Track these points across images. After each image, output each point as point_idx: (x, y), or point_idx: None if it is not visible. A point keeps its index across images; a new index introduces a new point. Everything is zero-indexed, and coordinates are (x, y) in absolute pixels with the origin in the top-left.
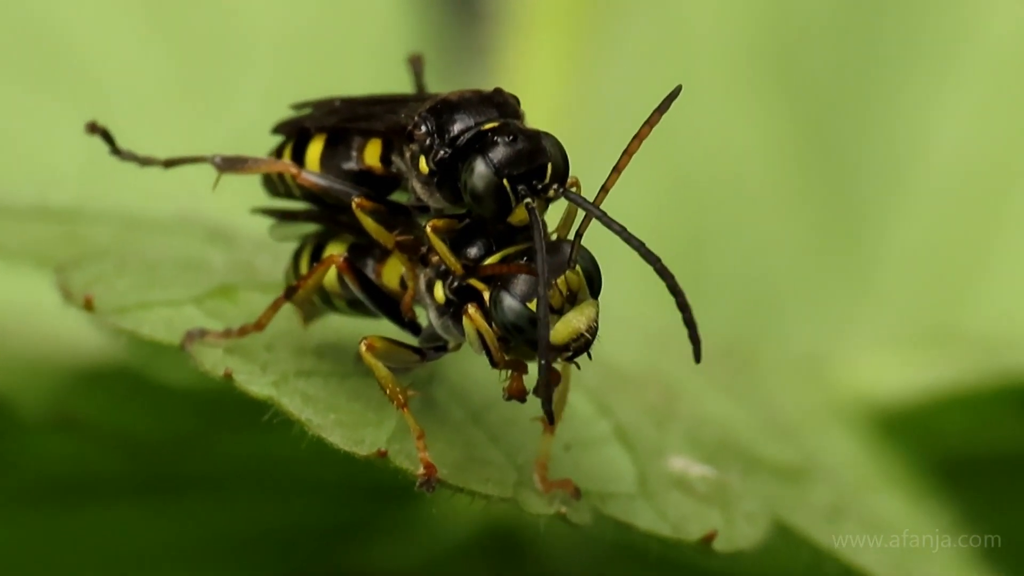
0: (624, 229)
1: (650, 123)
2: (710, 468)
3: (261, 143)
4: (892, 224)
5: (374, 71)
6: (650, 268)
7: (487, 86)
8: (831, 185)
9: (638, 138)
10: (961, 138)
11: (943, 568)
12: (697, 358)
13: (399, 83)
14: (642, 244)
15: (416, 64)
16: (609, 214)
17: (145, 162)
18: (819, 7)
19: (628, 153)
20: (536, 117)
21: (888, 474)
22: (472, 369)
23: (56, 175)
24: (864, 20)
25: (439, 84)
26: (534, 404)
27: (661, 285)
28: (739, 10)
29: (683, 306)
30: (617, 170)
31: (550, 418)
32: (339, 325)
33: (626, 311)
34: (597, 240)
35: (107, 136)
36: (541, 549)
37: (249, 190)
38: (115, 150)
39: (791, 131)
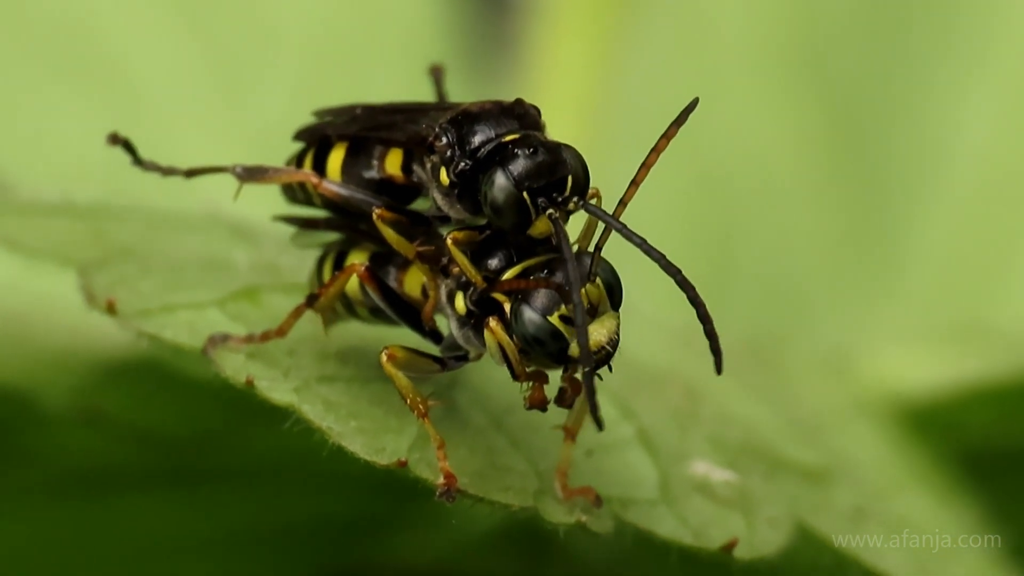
0: (645, 241)
1: (668, 136)
2: (732, 473)
3: (289, 139)
4: (919, 220)
5: (403, 66)
6: (674, 261)
7: (515, 80)
8: (859, 182)
9: (656, 151)
10: (989, 135)
11: (968, 569)
12: (718, 370)
13: (427, 79)
14: (663, 256)
15: (437, 74)
16: (629, 226)
17: (167, 172)
18: (848, 5)
19: (647, 166)
20: (563, 111)
21: (914, 470)
22: (494, 372)
23: (83, 170)
24: (892, 17)
25: (467, 79)
26: (555, 412)
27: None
28: (767, 7)
29: (704, 317)
30: (635, 183)
31: (599, 425)
32: (362, 329)
33: (649, 309)
34: (618, 238)
35: (129, 147)
36: (565, 543)
37: (272, 195)
38: (137, 160)
39: (819, 128)
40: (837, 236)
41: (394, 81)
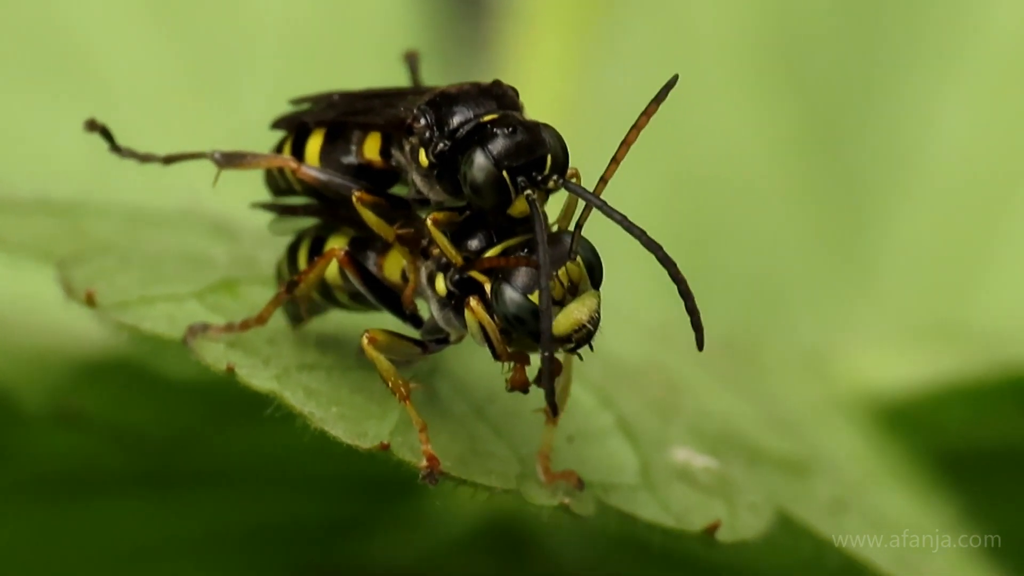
0: (625, 218)
1: (647, 113)
2: (713, 459)
3: (267, 139)
4: (895, 219)
5: (379, 65)
6: (653, 261)
7: (489, 79)
8: (834, 180)
9: (636, 128)
10: (964, 133)
11: (945, 563)
12: (700, 345)
13: (404, 77)
14: (643, 232)
15: (412, 60)
16: (609, 203)
17: (144, 159)
18: (822, 3)
19: (626, 143)
20: (539, 110)
21: (891, 468)
22: (474, 362)
23: (60, 170)
24: (867, 15)
25: (443, 78)
26: (537, 396)
27: (664, 278)
28: (742, 5)
29: (685, 294)
30: (616, 160)
31: (553, 409)
32: (341, 319)
33: (629, 305)
34: (600, 234)
35: (106, 133)
36: (544, 543)
37: (251, 185)
38: (114, 147)
39: (794, 126)
40: (812, 235)
41: (369, 81)
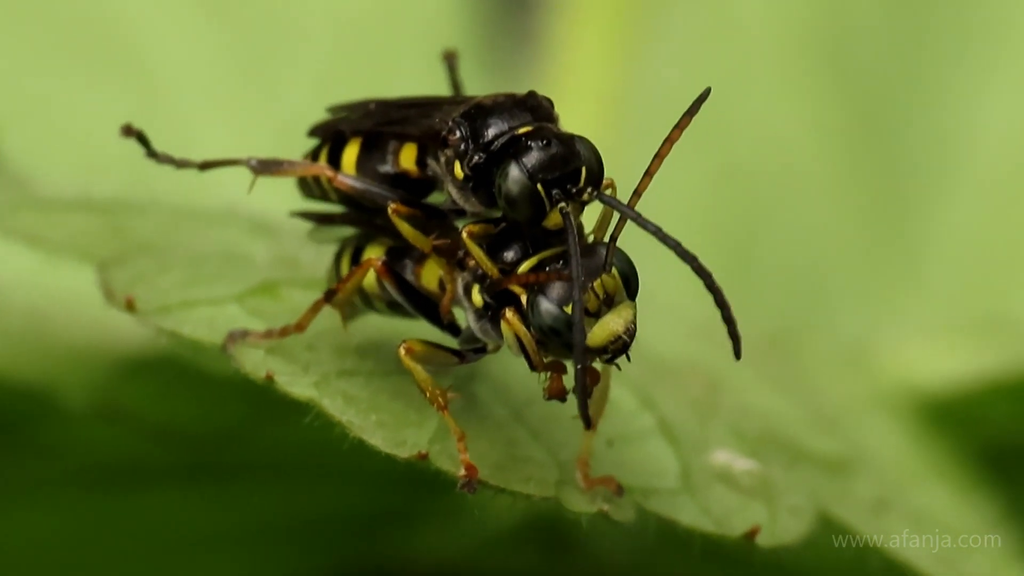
0: (659, 229)
1: (680, 126)
2: (754, 462)
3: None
4: (941, 211)
5: (425, 59)
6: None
7: (536, 74)
8: (879, 174)
9: (669, 141)
10: (1010, 126)
11: (987, 562)
12: (737, 355)
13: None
14: (679, 244)
15: (451, 60)
16: (643, 215)
17: (181, 164)
18: None
19: (660, 156)
20: (584, 105)
21: (934, 464)
22: (512, 364)
23: (105, 163)
24: (913, 8)
25: (488, 73)
26: (576, 401)
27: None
28: None
29: (721, 304)
30: (649, 174)
31: (587, 423)
32: (381, 323)
33: (669, 300)
34: (635, 228)
35: (142, 138)
36: (587, 535)
37: (292, 188)
38: (151, 153)
39: (840, 120)
40: (858, 229)
41: (416, 74)
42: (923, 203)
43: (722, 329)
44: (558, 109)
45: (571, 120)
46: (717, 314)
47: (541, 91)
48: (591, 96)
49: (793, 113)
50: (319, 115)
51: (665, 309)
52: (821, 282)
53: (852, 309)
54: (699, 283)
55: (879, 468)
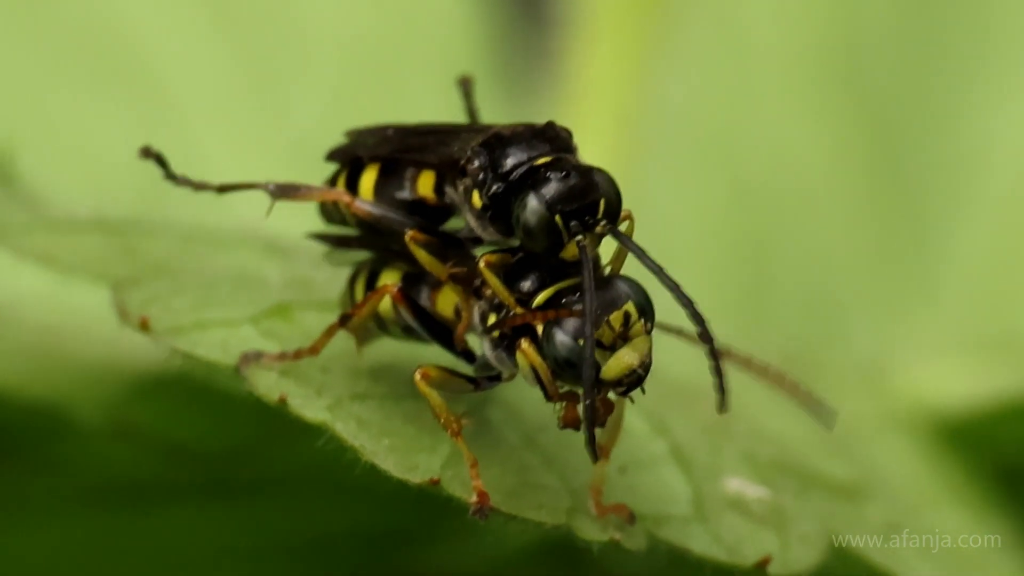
0: (662, 270)
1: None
2: (766, 489)
3: (325, 145)
4: (956, 230)
5: (437, 78)
6: (709, 272)
7: (551, 91)
8: (894, 192)
9: None
10: None
11: None
12: (721, 409)
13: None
14: (678, 286)
15: (466, 85)
16: (649, 254)
17: (199, 187)
18: (883, 11)
19: None
20: (600, 122)
21: (948, 485)
22: (526, 389)
23: (118, 180)
24: (929, 24)
25: (503, 90)
26: None
27: (721, 293)
28: (802, 15)
29: (714, 354)
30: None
31: (594, 457)
32: (394, 346)
33: (681, 322)
34: (658, 246)
35: (161, 160)
36: (600, 556)
37: (309, 210)
38: (169, 175)
39: (855, 137)
40: (873, 247)
41: (429, 91)
42: (938, 222)
43: (736, 348)
44: (573, 128)
45: (585, 137)
46: (730, 334)
47: (554, 109)
48: (605, 114)
49: (808, 132)
50: (330, 134)
51: (678, 328)
52: (835, 301)
53: (866, 328)
54: (715, 300)
55: (892, 489)
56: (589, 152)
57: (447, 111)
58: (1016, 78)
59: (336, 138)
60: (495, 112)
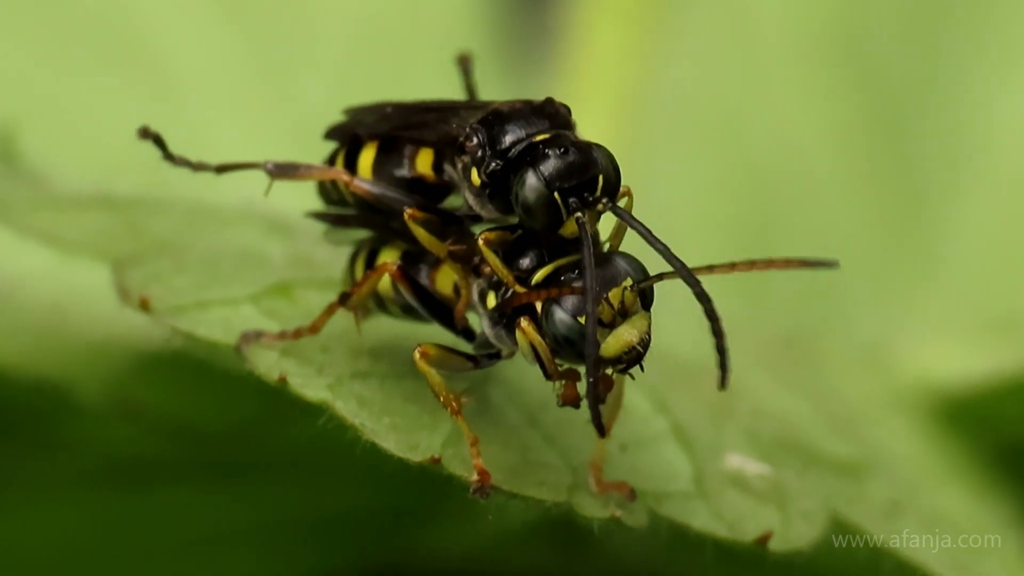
0: (667, 249)
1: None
2: (767, 466)
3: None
4: (958, 210)
5: (441, 57)
6: (711, 252)
7: (553, 71)
8: (897, 173)
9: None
10: None
11: (1003, 564)
12: (722, 385)
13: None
14: (683, 265)
15: (465, 64)
16: (653, 232)
17: (197, 168)
18: None
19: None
20: (601, 102)
21: (950, 464)
22: (527, 368)
23: (123, 160)
24: (931, 9)
25: (505, 70)
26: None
27: (721, 276)
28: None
29: (718, 332)
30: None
31: (600, 432)
32: (395, 325)
33: (684, 302)
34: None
35: (159, 141)
36: (602, 535)
37: (308, 190)
38: (167, 155)
39: (857, 120)
40: (875, 228)
41: (432, 71)
42: (940, 203)
43: (737, 330)
44: (573, 106)
45: (587, 116)
46: (733, 314)
47: (557, 87)
48: (607, 93)
49: (810, 113)
50: (335, 114)
51: (681, 310)
52: (838, 282)
53: (869, 309)
54: (716, 282)
55: (894, 469)
56: (589, 130)
57: (451, 90)
58: (1017, 60)
59: (340, 121)
60: (496, 90)
